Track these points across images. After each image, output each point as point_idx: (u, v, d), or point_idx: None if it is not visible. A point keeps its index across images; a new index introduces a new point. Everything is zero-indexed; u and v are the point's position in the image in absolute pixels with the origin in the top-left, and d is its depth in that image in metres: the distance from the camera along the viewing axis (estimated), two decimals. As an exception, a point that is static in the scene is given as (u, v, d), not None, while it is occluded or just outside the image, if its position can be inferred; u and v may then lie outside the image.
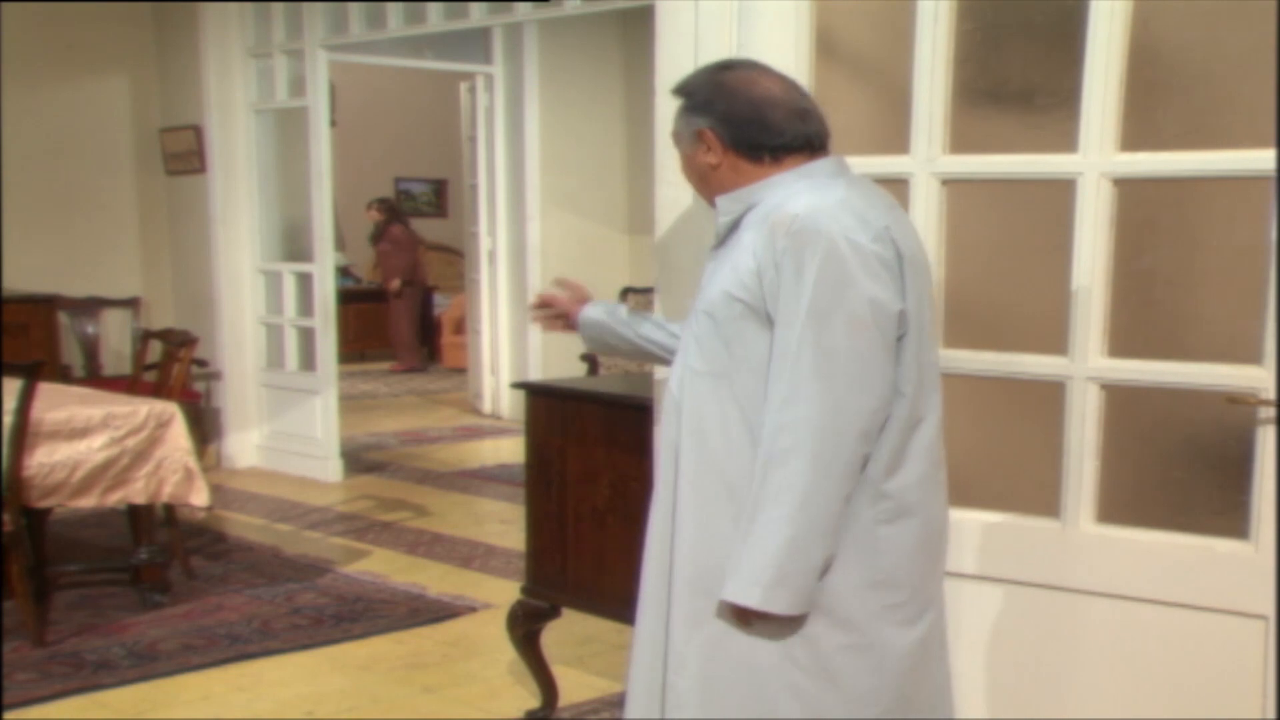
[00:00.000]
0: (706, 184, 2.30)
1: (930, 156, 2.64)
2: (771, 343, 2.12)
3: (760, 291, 2.13)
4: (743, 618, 2.14)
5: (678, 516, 2.25)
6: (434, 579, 5.04)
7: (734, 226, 2.26)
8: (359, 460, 7.51)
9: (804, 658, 2.16)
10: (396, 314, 11.53)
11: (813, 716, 2.17)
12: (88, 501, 4.33)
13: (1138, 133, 2.49)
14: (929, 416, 2.21)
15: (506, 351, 8.80)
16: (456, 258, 12.10)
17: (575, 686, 3.79)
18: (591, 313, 2.68)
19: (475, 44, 8.54)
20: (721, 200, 2.27)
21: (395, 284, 11.29)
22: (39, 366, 4.17)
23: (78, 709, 3.72)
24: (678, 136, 2.33)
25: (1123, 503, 2.58)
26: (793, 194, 2.17)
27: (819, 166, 2.24)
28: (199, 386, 7.13)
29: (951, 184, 2.66)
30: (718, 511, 2.19)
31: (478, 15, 6.12)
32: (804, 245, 2.08)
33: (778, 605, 2.09)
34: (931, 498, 2.23)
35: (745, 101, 2.22)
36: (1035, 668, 2.66)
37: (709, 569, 2.18)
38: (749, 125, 2.22)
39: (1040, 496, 2.63)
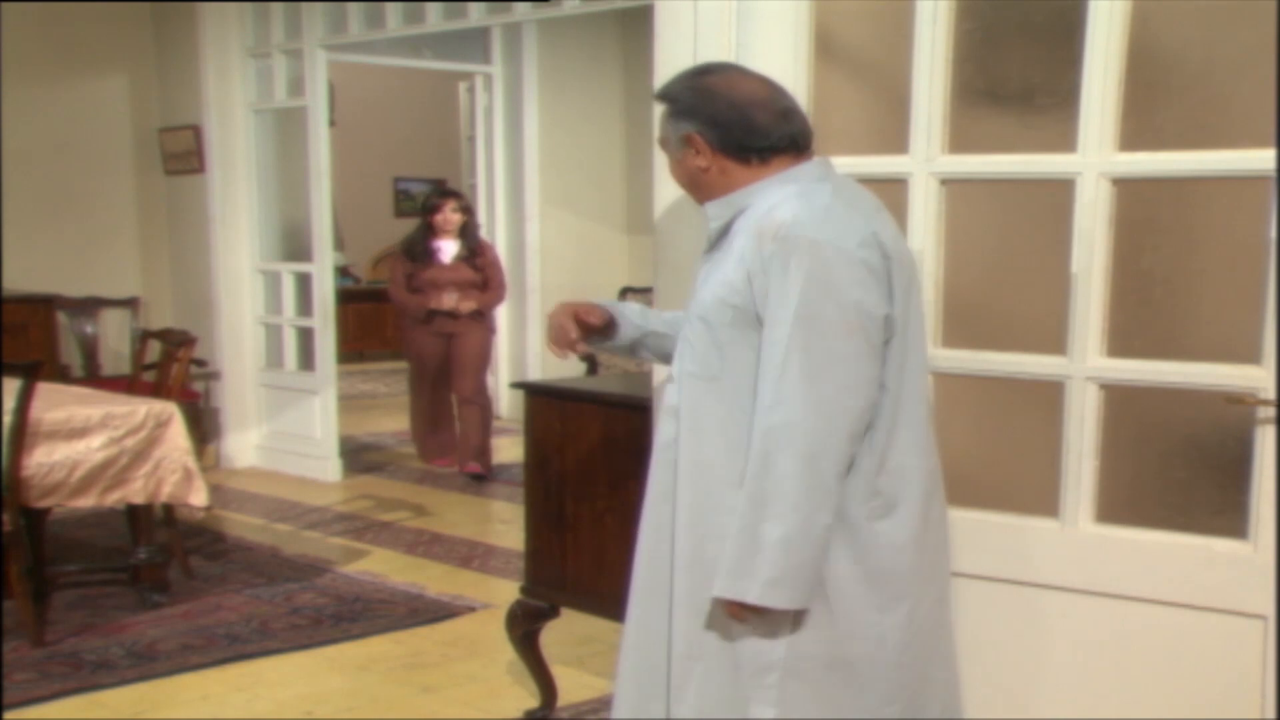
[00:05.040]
0: (698, 187, 2.34)
1: (929, 156, 2.64)
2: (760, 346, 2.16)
3: (750, 295, 2.17)
4: (737, 613, 2.18)
5: (678, 513, 2.29)
6: (433, 579, 5.04)
7: (725, 231, 2.31)
8: (358, 460, 7.50)
9: (808, 645, 2.21)
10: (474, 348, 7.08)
11: (817, 700, 2.23)
12: (86, 501, 4.32)
13: (1137, 132, 2.48)
14: (917, 411, 2.26)
15: (506, 351, 8.79)
16: (456, 258, 12.08)
17: (574, 686, 3.79)
18: (619, 309, 2.54)
19: (474, 44, 8.54)
20: (710, 206, 2.32)
21: (470, 304, 7.00)
22: (38, 366, 4.16)
23: (77, 709, 3.72)
24: (664, 142, 2.37)
25: (1122, 503, 2.57)
26: (781, 199, 2.21)
27: (806, 170, 2.28)
28: (198, 386, 7.13)
29: (950, 184, 2.65)
30: (717, 507, 2.23)
31: (477, 15, 6.12)
32: (790, 251, 2.12)
33: (776, 600, 2.13)
34: (922, 490, 2.27)
35: (728, 104, 2.26)
36: (1035, 668, 2.65)
37: (710, 563, 2.23)
38: (735, 127, 2.25)
39: (1040, 496, 2.62)
